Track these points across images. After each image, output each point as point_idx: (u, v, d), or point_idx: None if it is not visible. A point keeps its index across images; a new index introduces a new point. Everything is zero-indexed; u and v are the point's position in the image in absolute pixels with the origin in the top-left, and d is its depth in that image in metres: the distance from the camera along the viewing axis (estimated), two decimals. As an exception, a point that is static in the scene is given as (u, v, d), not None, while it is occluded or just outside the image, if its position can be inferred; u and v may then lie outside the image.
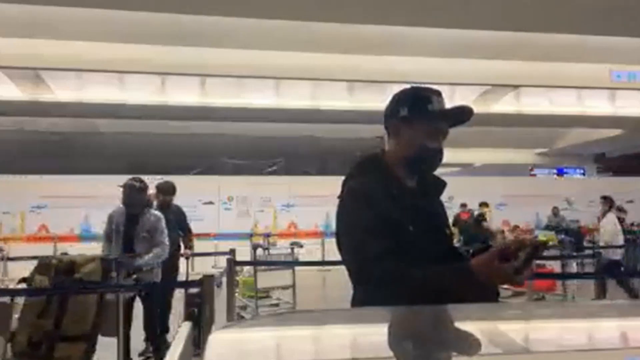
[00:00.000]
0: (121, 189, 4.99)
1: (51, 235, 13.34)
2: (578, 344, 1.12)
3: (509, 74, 11.27)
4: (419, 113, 1.82)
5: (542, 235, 11.41)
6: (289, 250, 8.42)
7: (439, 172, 1.93)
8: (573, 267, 8.92)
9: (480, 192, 14.04)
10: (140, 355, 5.13)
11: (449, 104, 1.87)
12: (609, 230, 8.80)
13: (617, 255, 8.38)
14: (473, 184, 15.18)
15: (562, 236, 11.80)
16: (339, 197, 1.85)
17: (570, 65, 11.01)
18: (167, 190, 5.88)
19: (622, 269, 8.55)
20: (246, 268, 7.36)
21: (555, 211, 15.07)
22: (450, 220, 3.38)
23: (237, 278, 6.69)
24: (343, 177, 1.92)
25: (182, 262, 6.33)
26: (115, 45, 9.67)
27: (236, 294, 6.23)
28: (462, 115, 1.87)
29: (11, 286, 5.34)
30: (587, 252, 9.80)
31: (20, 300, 3.88)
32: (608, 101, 13.89)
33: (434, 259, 1.72)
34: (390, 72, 10.26)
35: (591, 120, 14.57)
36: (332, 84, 11.87)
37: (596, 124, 15.42)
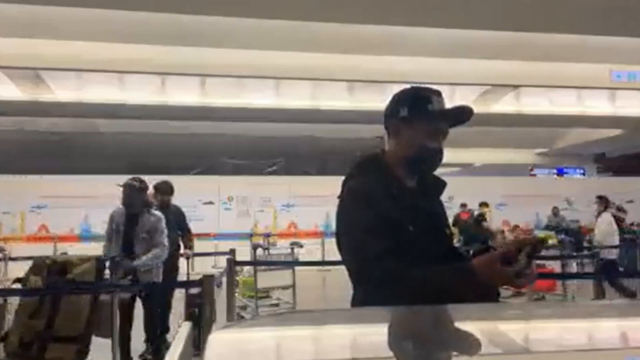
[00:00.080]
0: (121, 189, 4.97)
1: (51, 235, 13.33)
2: (578, 344, 1.12)
3: (509, 74, 11.27)
4: (419, 113, 1.82)
5: (541, 235, 11.40)
6: (289, 250, 8.41)
7: (439, 172, 1.93)
8: (573, 267, 8.91)
9: (480, 192, 14.04)
10: (140, 356, 5.12)
11: (449, 104, 1.87)
12: (602, 230, 8.86)
13: (612, 255, 8.42)
14: (473, 184, 15.19)
15: (562, 236, 11.79)
16: (339, 197, 1.86)
17: (570, 65, 11.01)
18: (165, 190, 5.86)
19: (618, 268, 8.59)
20: (246, 268, 7.36)
21: (555, 211, 15.07)
22: (450, 220, 3.39)
23: (237, 278, 6.69)
24: (343, 177, 1.92)
25: (182, 262, 6.32)
26: (115, 45, 9.67)
27: (236, 294, 6.23)
28: (462, 115, 1.87)
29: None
30: (585, 252, 9.79)
31: (16, 301, 3.88)
32: (608, 101, 13.89)
33: (434, 259, 1.72)
34: (390, 72, 10.26)
35: (591, 120, 14.57)
36: (332, 84, 11.87)
37: (596, 124, 15.42)
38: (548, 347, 1.07)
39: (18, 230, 13.76)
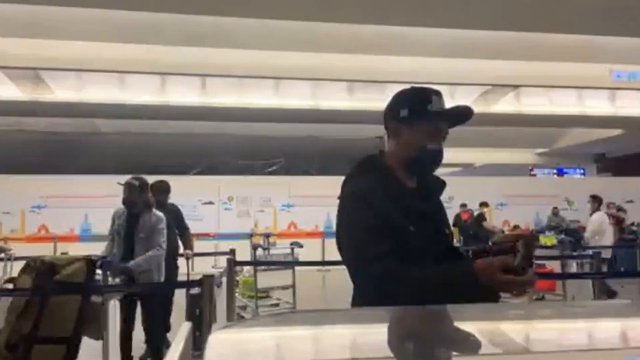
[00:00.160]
0: (121, 188, 4.93)
1: (51, 235, 13.33)
2: (578, 344, 1.12)
3: (509, 74, 11.26)
4: (419, 113, 1.82)
5: (541, 237, 11.41)
6: (289, 250, 8.42)
7: (439, 172, 1.93)
8: (573, 267, 8.92)
9: (480, 192, 14.06)
10: (140, 358, 5.11)
11: (449, 104, 1.87)
12: (591, 229, 8.90)
13: (606, 254, 8.45)
14: (473, 184, 15.20)
15: (562, 236, 11.80)
16: (339, 197, 1.86)
17: (570, 65, 11.00)
18: (161, 189, 5.82)
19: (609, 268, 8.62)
20: (246, 268, 7.36)
21: (555, 211, 15.09)
22: (450, 220, 3.38)
23: (237, 278, 6.69)
24: (343, 177, 1.92)
25: (181, 262, 6.28)
26: (115, 45, 9.67)
27: (236, 294, 6.23)
28: (462, 115, 1.87)
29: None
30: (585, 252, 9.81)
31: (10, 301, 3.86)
32: (608, 101, 13.88)
33: (434, 259, 1.73)
34: (390, 72, 10.25)
35: (591, 120, 14.56)
36: (332, 84, 11.86)
37: (596, 124, 15.41)
38: (548, 347, 1.07)
39: (18, 230, 13.76)
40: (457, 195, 13.34)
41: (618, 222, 11.36)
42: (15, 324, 3.66)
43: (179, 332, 1.14)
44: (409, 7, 8.11)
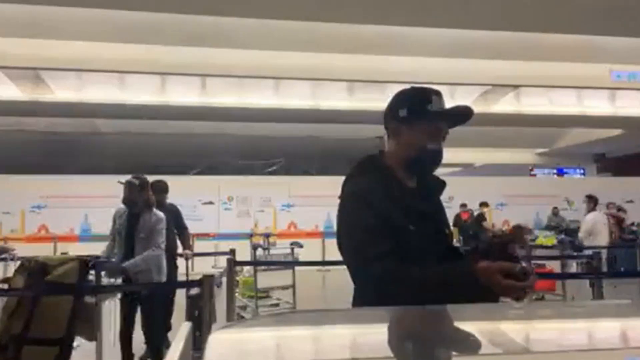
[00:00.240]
0: (122, 187, 4.91)
1: (51, 235, 13.33)
2: (578, 344, 1.12)
3: (509, 74, 11.26)
4: (419, 113, 1.82)
5: (541, 237, 11.41)
6: (289, 250, 8.42)
7: (439, 172, 1.93)
8: (573, 267, 8.92)
9: (480, 192, 14.07)
10: (140, 358, 5.11)
11: (449, 104, 1.87)
12: (585, 229, 8.89)
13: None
14: (473, 184, 15.20)
15: (562, 236, 11.80)
16: (339, 197, 1.86)
17: (570, 65, 11.00)
18: (159, 189, 5.81)
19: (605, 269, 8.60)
20: (246, 268, 7.36)
21: (555, 211, 15.09)
22: (450, 220, 3.39)
23: (237, 278, 6.69)
24: (343, 177, 1.92)
25: (180, 262, 6.28)
26: (115, 45, 9.66)
27: (236, 294, 6.23)
28: (462, 115, 1.87)
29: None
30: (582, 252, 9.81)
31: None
32: (608, 101, 13.88)
33: (434, 259, 1.73)
34: (390, 72, 10.25)
35: (591, 120, 14.56)
36: (332, 84, 11.86)
37: (596, 124, 15.42)
38: (548, 347, 1.07)
39: (18, 230, 13.76)
40: (457, 195, 13.34)
41: (618, 222, 11.36)
42: (7, 324, 3.65)
43: (179, 332, 1.14)
44: (409, 7, 8.11)
